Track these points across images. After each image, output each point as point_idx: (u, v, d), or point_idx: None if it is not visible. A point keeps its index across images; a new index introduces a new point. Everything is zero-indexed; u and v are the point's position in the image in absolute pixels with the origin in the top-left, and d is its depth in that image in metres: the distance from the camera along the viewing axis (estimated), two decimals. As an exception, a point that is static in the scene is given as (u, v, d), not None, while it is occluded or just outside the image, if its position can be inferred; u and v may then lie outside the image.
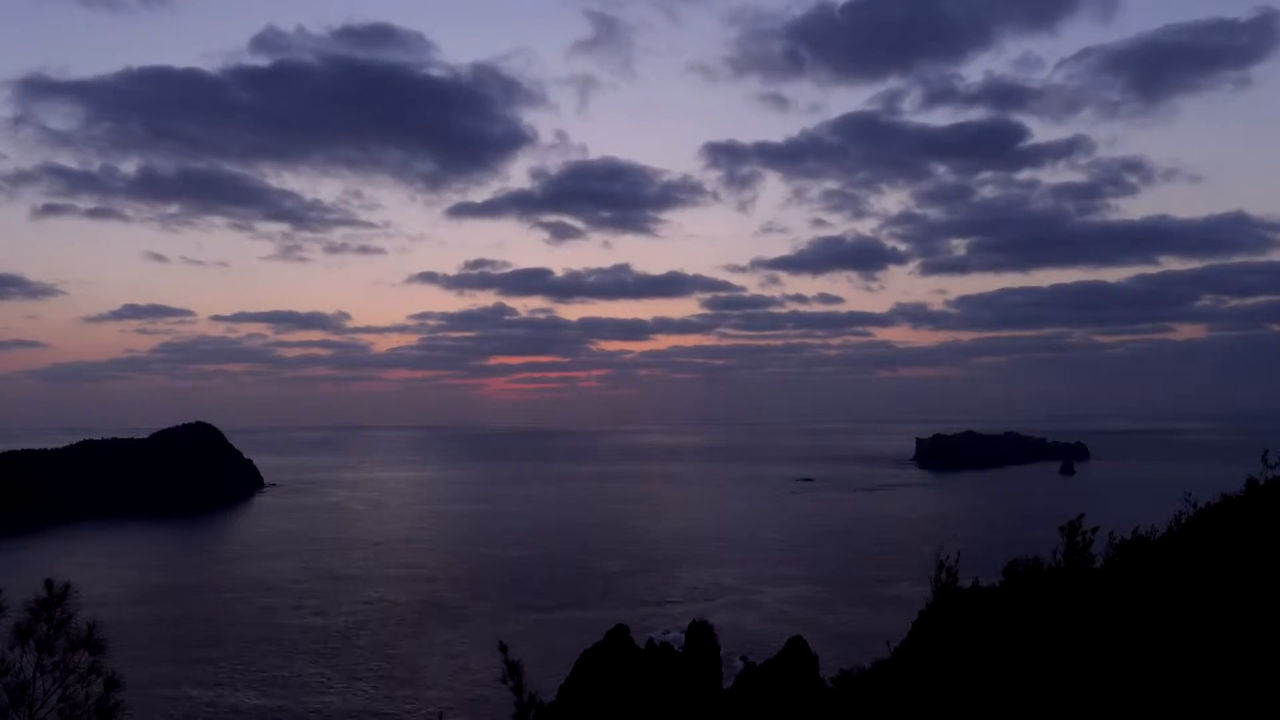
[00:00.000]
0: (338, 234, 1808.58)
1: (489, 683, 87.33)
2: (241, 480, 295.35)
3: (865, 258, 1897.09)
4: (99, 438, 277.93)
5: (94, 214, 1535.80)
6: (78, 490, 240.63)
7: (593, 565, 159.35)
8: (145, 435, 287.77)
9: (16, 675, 11.20)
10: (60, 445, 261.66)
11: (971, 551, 15.70)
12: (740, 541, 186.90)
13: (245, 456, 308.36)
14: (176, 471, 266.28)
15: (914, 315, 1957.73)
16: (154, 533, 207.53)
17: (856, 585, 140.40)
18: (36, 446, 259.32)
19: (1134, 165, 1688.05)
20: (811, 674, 65.75)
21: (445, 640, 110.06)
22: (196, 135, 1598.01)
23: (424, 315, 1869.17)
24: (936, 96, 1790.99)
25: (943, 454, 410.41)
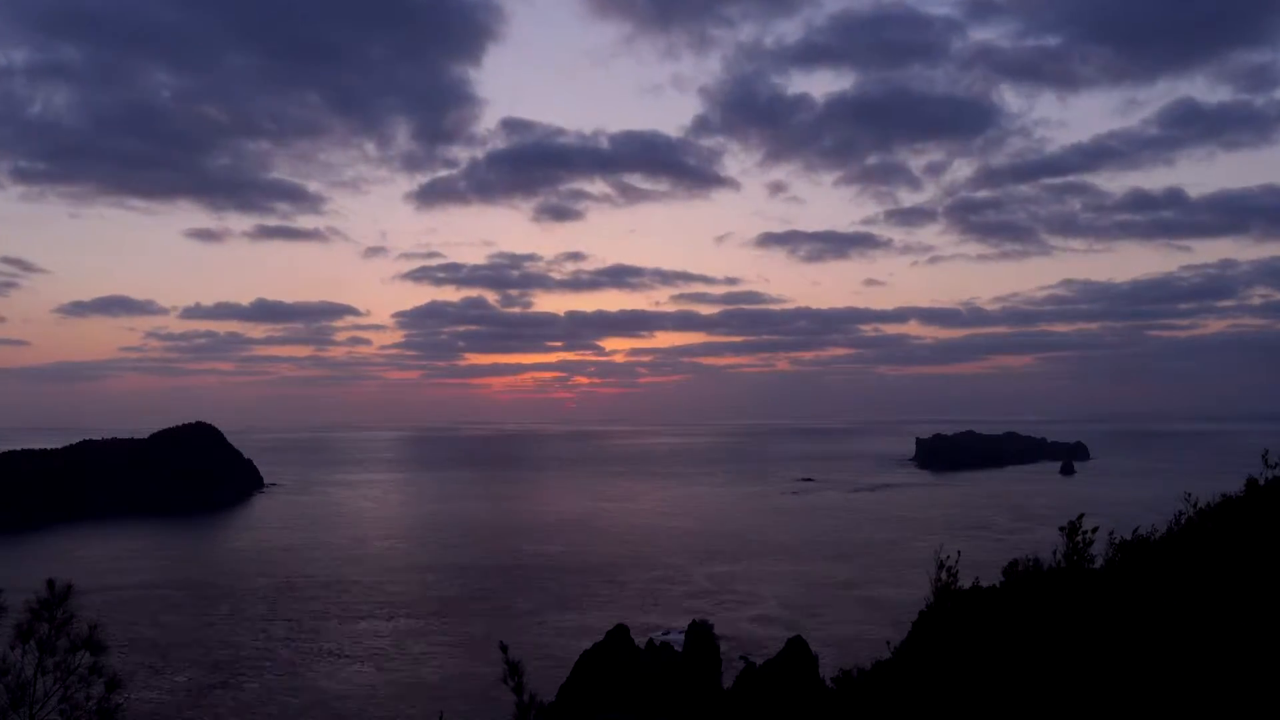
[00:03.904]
0: (303, 221, 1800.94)
1: (490, 682, 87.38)
2: (242, 480, 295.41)
3: (864, 249, 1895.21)
4: (99, 438, 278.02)
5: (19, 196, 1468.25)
6: (78, 490, 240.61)
7: (593, 565, 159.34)
8: (134, 435, 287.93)
9: (18, 676, 11.20)
10: (60, 445, 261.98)
11: (971, 551, 15.76)
12: (740, 541, 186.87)
13: (245, 456, 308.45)
14: (177, 471, 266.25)
15: (920, 312, 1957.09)
16: (155, 532, 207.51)
17: (856, 585, 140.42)
18: (36, 446, 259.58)
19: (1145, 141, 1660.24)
20: (811, 674, 65.73)
21: (446, 639, 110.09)
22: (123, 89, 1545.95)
23: (408, 312, 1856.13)
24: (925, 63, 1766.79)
25: (942, 454, 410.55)
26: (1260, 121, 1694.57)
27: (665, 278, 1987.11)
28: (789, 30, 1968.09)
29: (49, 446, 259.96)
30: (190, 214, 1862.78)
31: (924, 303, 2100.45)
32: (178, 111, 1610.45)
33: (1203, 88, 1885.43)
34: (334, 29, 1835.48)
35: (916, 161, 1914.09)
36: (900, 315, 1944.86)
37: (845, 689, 17.45)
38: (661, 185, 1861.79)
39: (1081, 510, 14.46)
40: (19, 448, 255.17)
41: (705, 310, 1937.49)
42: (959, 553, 13.68)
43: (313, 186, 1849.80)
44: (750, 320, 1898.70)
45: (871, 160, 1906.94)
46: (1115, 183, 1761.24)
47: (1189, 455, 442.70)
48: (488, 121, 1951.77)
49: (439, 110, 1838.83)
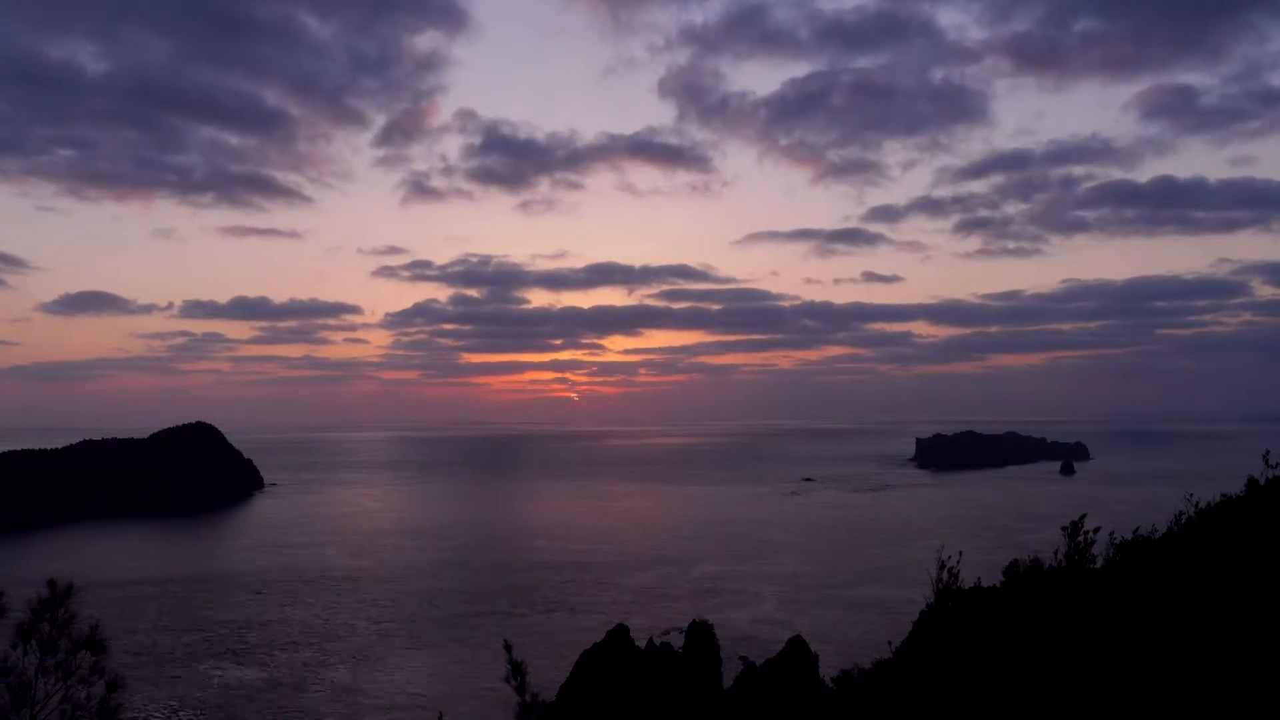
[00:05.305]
0: (287, 218, 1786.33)
1: (490, 682, 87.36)
2: (242, 480, 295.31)
3: (864, 247, 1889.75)
4: (99, 437, 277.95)
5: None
6: (78, 490, 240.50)
7: (593, 566, 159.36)
8: (134, 435, 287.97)
9: (19, 676, 11.19)
10: (57, 445, 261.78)
11: (971, 551, 15.78)
12: (740, 541, 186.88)
13: (245, 456, 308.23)
14: (177, 471, 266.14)
15: (922, 310, 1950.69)
16: (157, 532, 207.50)
17: (856, 585, 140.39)
18: (33, 446, 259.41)
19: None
20: (811, 674, 65.67)
21: (446, 639, 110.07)
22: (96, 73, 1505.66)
23: (403, 311, 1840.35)
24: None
25: (942, 454, 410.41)
26: (1267, 112, 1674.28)
27: (663, 275, 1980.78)
28: (785, 25, 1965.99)
29: (47, 446, 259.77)
30: (164, 209, 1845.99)
31: (926, 301, 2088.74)
32: (132, 97, 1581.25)
33: (1204, 77, 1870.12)
34: (303, 14, 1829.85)
35: (915, 157, 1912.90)
36: (902, 314, 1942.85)
37: (845, 689, 17.46)
38: (659, 181, 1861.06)
39: (1081, 510, 14.46)
40: (18, 448, 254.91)
41: (707, 308, 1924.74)
42: (960, 553, 13.69)
43: (296, 182, 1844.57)
44: (751, 318, 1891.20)
45: (867, 156, 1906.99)
46: (1115, 177, 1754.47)
47: (1190, 455, 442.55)
48: (471, 117, 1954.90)
49: (420, 106, 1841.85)
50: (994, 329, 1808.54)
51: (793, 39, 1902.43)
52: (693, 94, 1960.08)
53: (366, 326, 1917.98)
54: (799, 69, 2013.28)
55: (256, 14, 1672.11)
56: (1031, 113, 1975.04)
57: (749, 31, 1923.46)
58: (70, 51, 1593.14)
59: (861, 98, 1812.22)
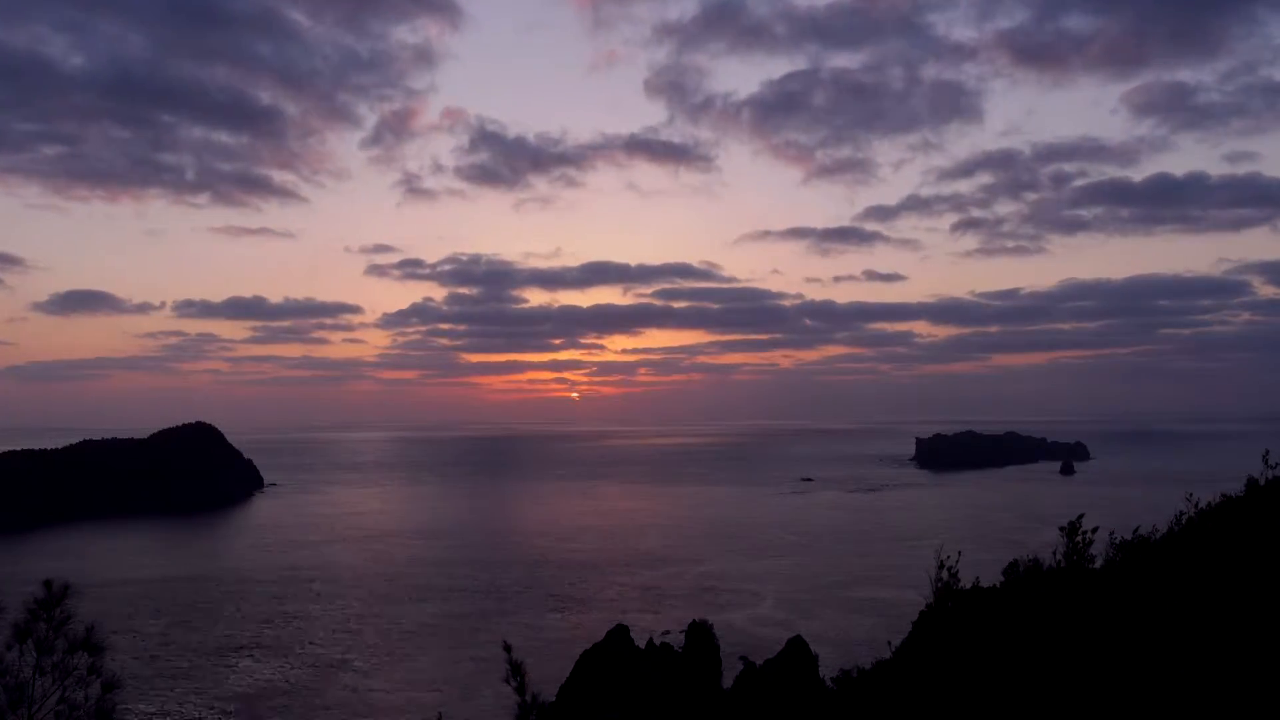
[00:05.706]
0: (281, 217, 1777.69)
1: (490, 682, 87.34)
2: (242, 480, 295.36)
3: (864, 242, 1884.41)
4: (98, 437, 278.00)
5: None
6: (78, 490, 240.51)
7: (593, 565, 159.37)
8: (134, 435, 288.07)
9: (15, 676, 11.16)
10: (60, 445, 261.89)
11: (971, 551, 15.80)
12: (740, 541, 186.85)
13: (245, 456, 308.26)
14: (177, 471, 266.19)
15: (924, 309, 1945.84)
16: (157, 532, 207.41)
17: (856, 585, 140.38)
18: (36, 446, 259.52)
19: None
20: (811, 674, 65.65)
21: (446, 639, 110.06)
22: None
23: (401, 311, 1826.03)
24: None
25: (942, 454, 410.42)
26: (1268, 109, 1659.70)
27: (662, 274, 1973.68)
28: (764, 21, 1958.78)
29: (47, 446, 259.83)
30: (157, 208, 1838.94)
31: (926, 300, 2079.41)
32: (116, 93, 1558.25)
33: (1202, 72, 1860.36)
34: (292, 9, 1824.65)
35: (905, 157, 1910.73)
36: (903, 313, 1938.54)
37: (845, 689, 17.44)
38: (655, 179, 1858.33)
39: (1081, 510, 14.45)
40: (17, 448, 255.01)
41: (707, 307, 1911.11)
42: (959, 553, 13.67)
43: (290, 181, 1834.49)
44: (752, 318, 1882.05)
45: (858, 155, 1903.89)
46: (1112, 175, 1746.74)
47: (1190, 455, 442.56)
48: (462, 115, 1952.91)
49: (412, 103, 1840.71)
50: (994, 329, 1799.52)
51: (771, 35, 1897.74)
52: (678, 91, 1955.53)
53: (364, 326, 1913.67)
54: (779, 67, 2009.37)
55: (243, 9, 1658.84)
56: (1023, 110, 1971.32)
57: (728, 28, 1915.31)
58: (36, 42, 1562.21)
59: (847, 95, 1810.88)
